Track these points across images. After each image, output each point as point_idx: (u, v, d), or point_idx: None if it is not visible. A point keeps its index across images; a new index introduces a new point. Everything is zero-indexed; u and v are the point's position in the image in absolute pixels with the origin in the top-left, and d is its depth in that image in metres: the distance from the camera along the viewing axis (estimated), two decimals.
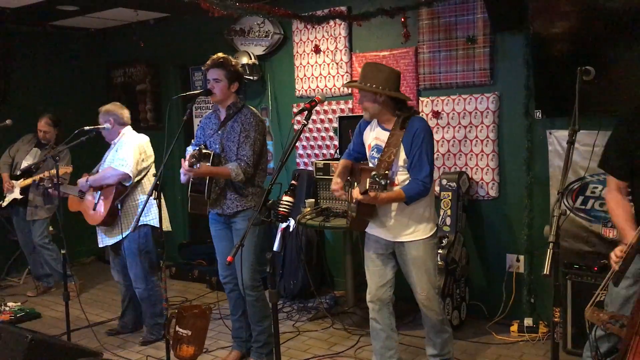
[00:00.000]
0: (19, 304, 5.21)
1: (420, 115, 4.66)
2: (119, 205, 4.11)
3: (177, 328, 3.66)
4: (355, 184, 3.27)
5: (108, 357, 4.02)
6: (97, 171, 4.36)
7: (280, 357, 2.52)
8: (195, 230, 6.63)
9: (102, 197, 4.22)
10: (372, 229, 3.33)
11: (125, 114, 4.35)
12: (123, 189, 4.17)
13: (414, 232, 3.20)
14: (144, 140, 4.31)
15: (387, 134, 3.19)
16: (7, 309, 5.00)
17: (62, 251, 3.99)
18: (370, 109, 3.19)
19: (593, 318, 2.31)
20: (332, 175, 4.53)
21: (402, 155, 3.12)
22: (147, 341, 4.33)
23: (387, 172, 2.98)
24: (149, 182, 4.24)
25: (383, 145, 3.18)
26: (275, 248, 2.47)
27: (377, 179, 2.79)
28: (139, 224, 4.15)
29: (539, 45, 3.97)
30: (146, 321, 4.40)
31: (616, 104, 3.67)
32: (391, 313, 3.38)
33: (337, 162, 4.59)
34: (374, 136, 3.28)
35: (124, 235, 4.19)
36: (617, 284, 2.32)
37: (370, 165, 3.30)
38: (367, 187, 2.84)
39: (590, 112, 3.58)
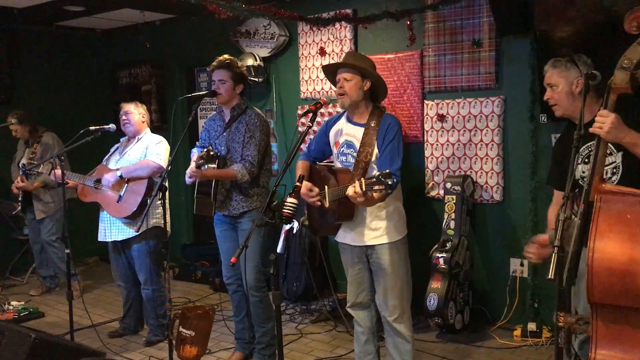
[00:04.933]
0: (23, 303, 5.22)
1: (425, 117, 4.70)
2: (148, 201, 4.09)
3: (181, 328, 3.67)
4: (326, 187, 3.08)
5: (111, 357, 4.03)
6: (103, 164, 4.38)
7: (283, 359, 2.52)
8: (198, 231, 6.64)
9: (129, 189, 4.16)
10: (341, 237, 3.24)
11: (146, 112, 4.47)
12: (152, 184, 4.14)
13: (382, 235, 3.09)
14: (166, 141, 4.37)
15: (359, 129, 3.10)
16: (10, 308, 5.01)
17: (67, 250, 4.00)
18: (354, 95, 3.06)
19: (562, 322, 2.34)
20: None
21: (376, 152, 3.04)
22: (150, 341, 4.33)
23: (388, 171, 2.73)
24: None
25: (355, 141, 3.09)
26: (278, 250, 2.48)
27: (381, 178, 2.60)
28: (150, 226, 4.18)
29: (544, 49, 3.96)
30: (150, 322, 4.40)
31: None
32: (373, 316, 3.31)
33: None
34: (344, 132, 3.19)
35: (137, 233, 4.16)
36: (573, 282, 2.37)
37: (338, 163, 3.18)
38: (365, 188, 2.67)
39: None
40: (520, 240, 4.39)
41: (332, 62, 5.22)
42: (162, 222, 4.18)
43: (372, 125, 3.06)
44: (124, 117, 4.31)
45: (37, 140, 5.50)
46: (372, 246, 3.11)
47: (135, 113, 4.32)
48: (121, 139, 4.46)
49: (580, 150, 2.66)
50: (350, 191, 2.77)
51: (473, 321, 4.47)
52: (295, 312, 4.97)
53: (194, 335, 3.67)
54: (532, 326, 4.19)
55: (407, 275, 3.20)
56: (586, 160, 2.65)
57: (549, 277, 2.08)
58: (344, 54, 5.10)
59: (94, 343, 4.25)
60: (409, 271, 3.22)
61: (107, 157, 4.45)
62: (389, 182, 2.60)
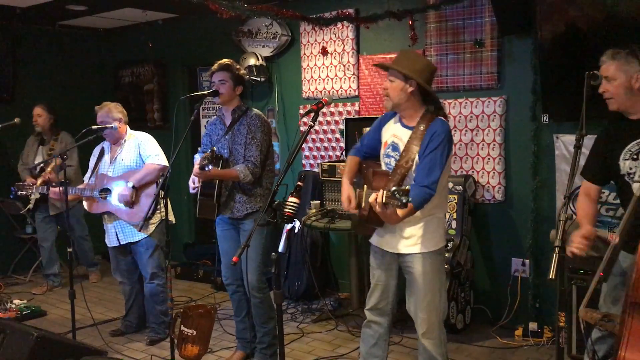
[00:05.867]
0: (25, 301, 5.24)
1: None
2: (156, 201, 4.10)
3: (182, 327, 3.67)
4: (365, 187, 2.98)
5: (113, 356, 4.03)
6: (92, 175, 4.35)
7: (285, 358, 2.52)
8: (200, 230, 6.64)
9: (138, 195, 4.18)
10: (375, 240, 3.11)
11: (125, 112, 4.40)
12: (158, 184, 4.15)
13: (415, 244, 2.92)
14: (150, 137, 4.36)
15: (407, 132, 2.92)
16: (13, 306, 5.02)
17: (69, 249, 4.01)
18: (395, 98, 2.90)
19: (587, 317, 2.36)
20: (338, 177, 4.56)
21: (417, 160, 2.87)
22: (153, 340, 4.35)
23: (407, 187, 2.57)
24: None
25: (400, 144, 2.93)
26: (280, 249, 2.48)
27: (397, 195, 2.45)
28: (160, 221, 4.23)
29: (546, 50, 3.96)
30: (152, 320, 4.41)
31: None
32: (389, 325, 3.16)
33: (342, 164, 4.61)
34: (392, 132, 3.01)
35: (147, 235, 4.20)
36: (606, 279, 2.38)
37: (384, 165, 3.04)
38: (384, 201, 2.57)
39: (597, 117, 3.55)
40: (521, 240, 4.39)
41: (333, 61, 5.24)
42: (165, 216, 4.21)
43: (421, 129, 2.87)
44: (105, 131, 4.23)
45: (54, 138, 5.59)
46: (404, 255, 2.96)
47: (110, 122, 4.23)
48: (103, 144, 4.42)
49: (629, 145, 2.66)
50: (372, 197, 2.65)
51: (474, 321, 4.48)
52: (296, 311, 4.97)
53: (195, 334, 3.67)
54: (533, 326, 4.19)
55: (440, 290, 2.99)
56: (635, 156, 2.63)
57: (550, 277, 2.09)
58: (345, 53, 5.13)
59: (96, 342, 4.26)
60: (442, 286, 3.01)
61: (94, 161, 4.38)
62: (404, 200, 2.45)
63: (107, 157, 4.35)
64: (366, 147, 3.17)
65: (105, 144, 4.40)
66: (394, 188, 2.52)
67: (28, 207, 5.55)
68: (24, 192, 4.63)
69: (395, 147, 2.97)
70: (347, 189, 3.03)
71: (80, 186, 4.37)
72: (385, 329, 3.16)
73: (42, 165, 5.26)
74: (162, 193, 3.40)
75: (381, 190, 2.63)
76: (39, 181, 5.10)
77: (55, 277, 5.79)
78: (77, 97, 6.78)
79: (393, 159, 2.96)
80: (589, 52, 3.79)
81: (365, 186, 2.97)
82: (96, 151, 4.44)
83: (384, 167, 3.04)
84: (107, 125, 4.23)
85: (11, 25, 6.18)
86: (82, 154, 5.48)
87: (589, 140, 3.51)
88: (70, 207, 5.46)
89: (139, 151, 4.24)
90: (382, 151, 3.07)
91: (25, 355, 3.27)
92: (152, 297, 4.34)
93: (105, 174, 4.29)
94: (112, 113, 4.26)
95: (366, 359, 3.25)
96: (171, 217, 4.27)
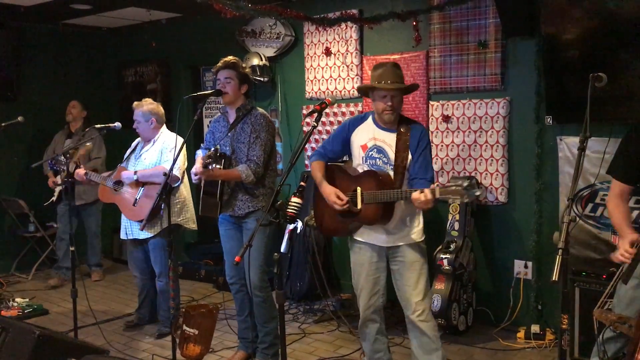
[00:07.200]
0: (27, 299, 5.24)
1: (430, 117, 4.68)
2: (162, 205, 4.11)
3: (184, 327, 3.67)
4: (359, 188, 3.10)
5: (114, 355, 4.04)
6: (122, 165, 4.42)
7: (286, 358, 2.52)
8: (202, 230, 6.63)
9: (144, 194, 4.22)
10: (365, 236, 3.24)
11: (163, 112, 4.43)
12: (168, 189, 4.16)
13: (409, 235, 3.18)
14: (181, 141, 4.37)
15: (390, 135, 3.15)
16: (15, 304, 5.03)
17: (71, 248, 4.01)
18: (399, 108, 3.19)
19: (602, 317, 2.37)
20: None
21: (410, 158, 3.11)
22: (163, 333, 4.41)
23: (474, 181, 2.90)
24: (189, 183, 4.35)
25: (386, 147, 3.15)
26: (282, 249, 2.48)
27: (469, 189, 2.69)
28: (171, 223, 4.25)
29: (550, 51, 3.96)
30: (161, 314, 4.49)
31: (628, 111, 3.65)
32: (382, 317, 3.36)
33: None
34: (372, 136, 3.21)
35: (157, 232, 4.25)
36: (627, 282, 2.37)
37: (365, 166, 3.20)
38: (437, 196, 2.77)
39: (601, 119, 3.56)
40: (524, 242, 4.38)
41: (337, 62, 5.23)
42: (179, 219, 4.32)
43: (403, 131, 3.13)
44: (135, 124, 4.34)
45: (83, 134, 5.67)
46: (398, 246, 3.18)
47: (142, 122, 4.30)
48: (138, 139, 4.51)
49: None
50: (416, 194, 2.81)
51: (476, 322, 4.47)
52: (298, 311, 4.97)
53: (197, 334, 3.67)
54: (535, 328, 4.18)
55: (427, 278, 3.24)
56: None
57: (553, 279, 2.08)
58: (349, 53, 5.12)
59: (98, 340, 4.26)
60: (428, 272, 3.26)
61: (126, 154, 4.49)
62: (478, 193, 2.70)
63: (135, 153, 4.43)
64: (331, 152, 3.37)
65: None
66: (466, 183, 2.70)
67: (52, 199, 5.62)
68: (57, 168, 4.63)
69: (380, 150, 3.17)
70: (332, 189, 3.22)
71: (105, 174, 4.51)
72: (380, 322, 3.36)
73: (68, 152, 5.33)
74: (171, 195, 3.43)
75: (434, 186, 2.81)
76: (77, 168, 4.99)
77: (67, 271, 5.81)
78: (80, 97, 6.76)
79: (379, 160, 3.16)
80: (593, 54, 3.80)
81: (359, 188, 3.12)
82: (134, 144, 4.51)
83: (365, 168, 3.21)
84: (110, 125, 4.25)
85: (15, 23, 6.19)
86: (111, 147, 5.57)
87: (592, 143, 3.52)
88: (93, 202, 5.68)
89: (160, 156, 4.27)
90: (361, 154, 3.24)
91: (27, 353, 3.27)
92: (162, 294, 4.43)
93: (124, 167, 4.37)
94: (142, 111, 4.31)
95: (372, 356, 3.38)
96: (194, 225, 4.49)
